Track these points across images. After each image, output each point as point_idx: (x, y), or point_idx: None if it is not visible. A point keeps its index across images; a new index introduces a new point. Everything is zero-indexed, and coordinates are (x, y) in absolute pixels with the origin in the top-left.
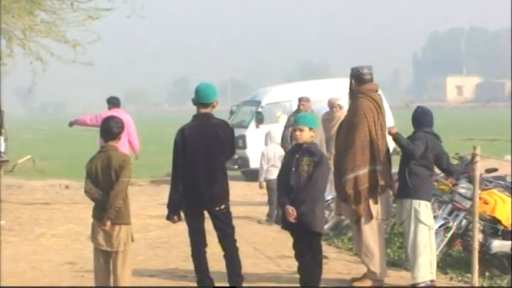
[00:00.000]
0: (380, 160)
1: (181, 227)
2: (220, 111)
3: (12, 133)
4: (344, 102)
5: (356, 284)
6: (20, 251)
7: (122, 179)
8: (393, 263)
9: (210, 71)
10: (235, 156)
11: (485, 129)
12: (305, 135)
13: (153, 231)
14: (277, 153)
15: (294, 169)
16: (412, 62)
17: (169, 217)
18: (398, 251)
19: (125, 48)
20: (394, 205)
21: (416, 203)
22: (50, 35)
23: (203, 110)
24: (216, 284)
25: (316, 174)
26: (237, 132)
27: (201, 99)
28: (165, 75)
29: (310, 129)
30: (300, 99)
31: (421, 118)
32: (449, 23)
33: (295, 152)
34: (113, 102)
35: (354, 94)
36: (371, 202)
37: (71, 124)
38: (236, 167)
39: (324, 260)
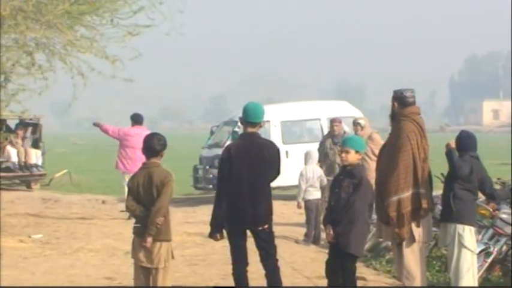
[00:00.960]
0: (423, 183)
1: (218, 245)
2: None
3: (48, 147)
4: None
5: None
6: (57, 264)
7: (163, 196)
8: (432, 287)
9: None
10: (210, 176)
11: None
12: (350, 158)
13: (190, 248)
14: (316, 173)
15: (336, 190)
16: (449, 85)
17: (211, 235)
18: (437, 274)
19: (162, 65)
20: (434, 228)
21: (460, 227)
22: (90, 50)
23: (250, 129)
24: None
25: (353, 197)
26: (213, 151)
27: (250, 118)
28: (202, 93)
29: (357, 152)
30: (333, 121)
31: (466, 142)
32: (488, 46)
33: (341, 173)
34: (136, 120)
35: (396, 117)
36: (413, 225)
37: (95, 124)
38: (211, 186)
39: (362, 282)
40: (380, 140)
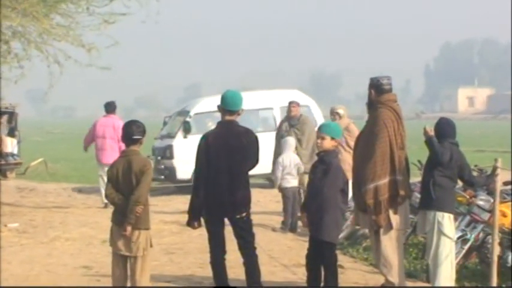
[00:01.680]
0: (400, 170)
1: (195, 233)
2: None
3: (23, 136)
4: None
5: None
6: (34, 253)
7: (142, 184)
8: (409, 274)
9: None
10: (162, 166)
11: (496, 141)
12: (326, 144)
13: (167, 237)
14: (293, 161)
15: (312, 177)
16: (424, 73)
17: (189, 223)
18: (414, 261)
19: (137, 53)
20: (411, 216)
21: (439, 215)
22: (66, 39)
23: (228, 117)
24: None
25: (322, 182)
26: (165, 142)
27: (228, 106)
28: (176, 82)
29: (332, 138)
30: (291, 103)
31: (446, 129)
32: (462, 34)
33: (317, 160)
34: (106, 108)
35: (373, 104)
36: (391, 212)
37: (85, 149)
38: (163, 177)
39: (339, 270)
40: (357, 132)
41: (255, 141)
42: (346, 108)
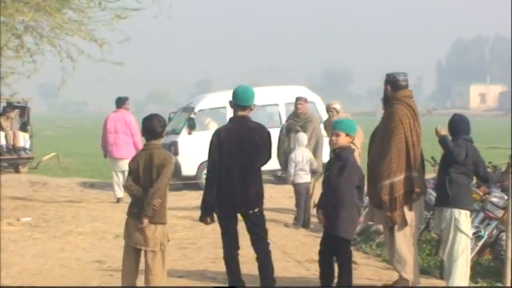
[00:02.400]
0: (415, 166)
1: (208, 228)
2: None
3: (35, 130)
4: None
5: None
6: (47, 248)
7: (162, 177)
8: (423, 270)
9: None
10: None
11: (509, 138)
12: (341, 140)
13: (180, 232)
14: (306, 157)
15: (327, 173)
16: (436, 69)
17: (202, 218)
18: (428, 258)
19: (149, 48)
20: (426, 213)
21: (456, 212)
22: (78, 34)
23: (240, 113)
24: (248, 286)
25: (338, 179)
26: (170, 138)
27: (240, 101)
28: (188, 77)
29: (347, 134)
30: (298, 99)
31: (459, 125)
32: (474, 31)
33: (332, 156)
34: (116, 103)
35: (389, 100)
36: (406, 209)
37: (105, 156)
38: None
39: (353, 266)
40: None
41: (268, 136)
42: (340, 103)
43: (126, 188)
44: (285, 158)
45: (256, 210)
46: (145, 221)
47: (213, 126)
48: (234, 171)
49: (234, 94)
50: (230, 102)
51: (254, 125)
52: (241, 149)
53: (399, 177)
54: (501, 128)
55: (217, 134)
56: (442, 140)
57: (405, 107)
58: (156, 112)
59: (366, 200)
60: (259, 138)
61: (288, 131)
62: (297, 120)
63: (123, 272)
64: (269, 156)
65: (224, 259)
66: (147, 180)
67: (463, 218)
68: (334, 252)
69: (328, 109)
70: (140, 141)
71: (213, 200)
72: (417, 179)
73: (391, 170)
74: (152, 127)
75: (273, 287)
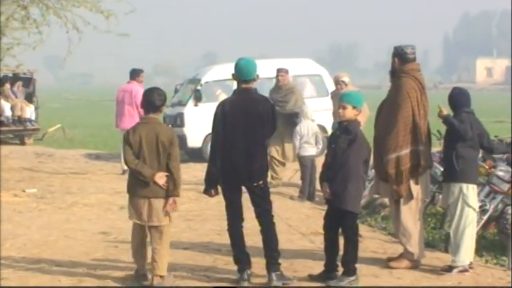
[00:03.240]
0: (422, 140)
1: (213, 201)
2: None
3: (41, 102)
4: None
5: (393, 263)
6: (52, 219)
7: (175, 156)
8: (428, 244)
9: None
10: None
11: None
12: (348, 113)
13: (185, 204)
14: (311, 129)
15: (333, 146)
16: (443, 43)
17: (206, 191)
18: (432, 231)
19: (155, 21)
20: (431, 186)
21: (464, 187)
22: (85, 5)
23: (244, 85)
24: (252, 258)
25: (347, 152)
26: (176, 110)
27: (242, 75)
28: (194, 50)
29: (354, 107)
30: (279, 71)
31: (460, 98)
32: (481, 5)
33: (337, 129)
34: (131, 75)
35: (396, 73)
36: (412, 182)
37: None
38: None
39: (358, 239)
40: None
41: (272, 108)
42: (349, 75)
43: (126, 162)
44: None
45: (261, 182)
46: (173, 201)
47: (222, 98)
48: (238, 143)
49: (236, 67)
50: (233, 75)
51: (258, 97)
52: (245, 121)
53: (405, 151)
54: (507, 102)
55: (221, 106)
56: (446, 120)
57: (413, 80)
58: (162, 85)
59: (372, 173)
60: (264, 110)
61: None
62: (279, 92)
63: (134, 246)
64: (274, 129)
65: (228, 231)
66: (152, 155)
67: (471, 192)
68: (340, 225)
69: (337, 82)
70: None
71: (217, 172)
72: (423, 153)
73: (397, 144)
74: (152, 100)
75: (276, 259)
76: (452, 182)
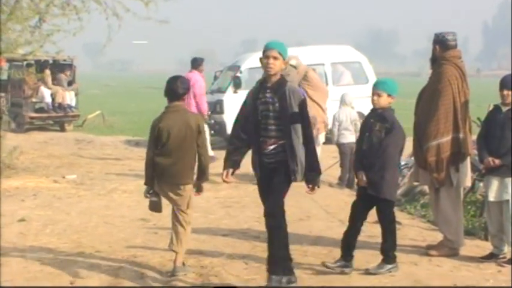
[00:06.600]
0: (463, 128)
1: (252, 187)
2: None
3: (81, 88)
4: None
5: (432, 251)
6: (92, 205)
7: (204, 143)
8: (467, 232)
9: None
10: (212, 121)
11: None
12: (382, 101)
13: (223, 190)
14: (350, 116)
15: (367, 134)
16: (482, 31)
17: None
18: (472, 219)
19: (194, 7)
20: (471, 174)
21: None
22: None
23: None
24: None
25: (386, 141)
26: (215, 97)
27: None
28: (234, 36)
29: (389, 95)
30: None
31: None
32: None
33: (371, 117)
34: (192, 64)
35: (437, 60)
36: (452, 170)
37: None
38: (213, 132)
39: (397, 226)
40: (315, 80)
41: (302, 99)
42: (297, 57)
43: (146, 154)
44: None
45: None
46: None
47: None
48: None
49: (264, 50)
50: (260, 58)
51: (288, 85)
52: (273, 109)
53: (446, 138)
54: None
55: (250, 93)
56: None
57: (454, 67)
58: (202, 72)
59: (411, 160)
60: (291, 99)
61: None
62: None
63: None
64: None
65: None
66: (178, 142)
67: None
68: (377, 214)
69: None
70: (202, 103)
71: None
72: (464, 140)
73: (438, 131)
74: (175, 88)
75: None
76: (505, 176)
